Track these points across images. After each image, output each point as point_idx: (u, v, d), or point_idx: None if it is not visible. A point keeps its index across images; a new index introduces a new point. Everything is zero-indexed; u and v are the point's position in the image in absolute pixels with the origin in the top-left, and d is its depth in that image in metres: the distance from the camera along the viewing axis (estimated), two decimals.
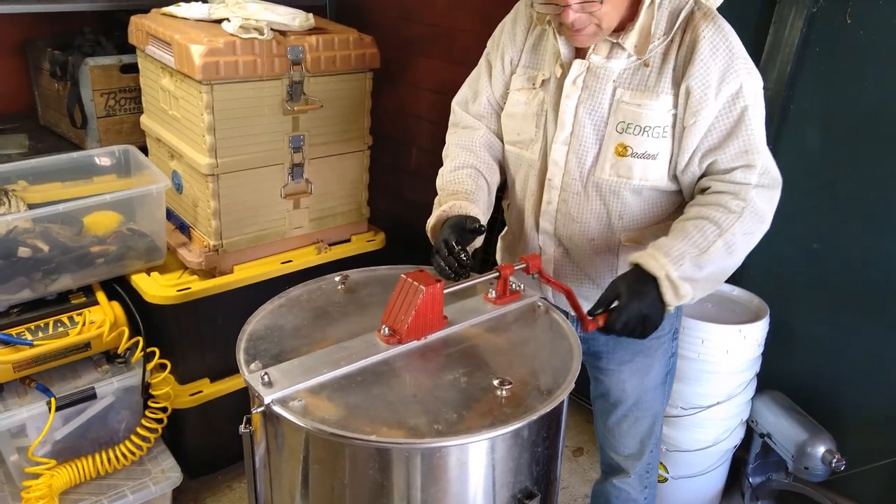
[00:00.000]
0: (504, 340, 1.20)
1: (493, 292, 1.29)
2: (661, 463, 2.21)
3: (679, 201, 1.43)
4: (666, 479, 2.22)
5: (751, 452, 2.18)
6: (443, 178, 1.48)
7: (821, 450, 1.95)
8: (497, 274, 1.27)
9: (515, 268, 1.29)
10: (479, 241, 1.39)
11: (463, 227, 1.32)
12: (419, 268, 1.22)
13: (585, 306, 1.45)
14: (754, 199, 1.29)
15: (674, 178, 1.37)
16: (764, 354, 2.09)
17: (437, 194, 1.48)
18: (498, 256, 1.70)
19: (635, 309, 1.23)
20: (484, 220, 1.37)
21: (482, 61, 1.54)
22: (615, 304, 1.24)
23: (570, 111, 1.37)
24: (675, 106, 1.30)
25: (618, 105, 1.33)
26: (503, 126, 1.51)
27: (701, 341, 1.99)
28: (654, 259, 1.25)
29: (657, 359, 1.57)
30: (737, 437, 2.13)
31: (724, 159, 1.31)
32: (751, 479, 2.19)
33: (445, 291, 1.18)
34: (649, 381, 1.58)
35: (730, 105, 1.28)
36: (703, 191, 1.35)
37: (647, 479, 1.70)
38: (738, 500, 2.23)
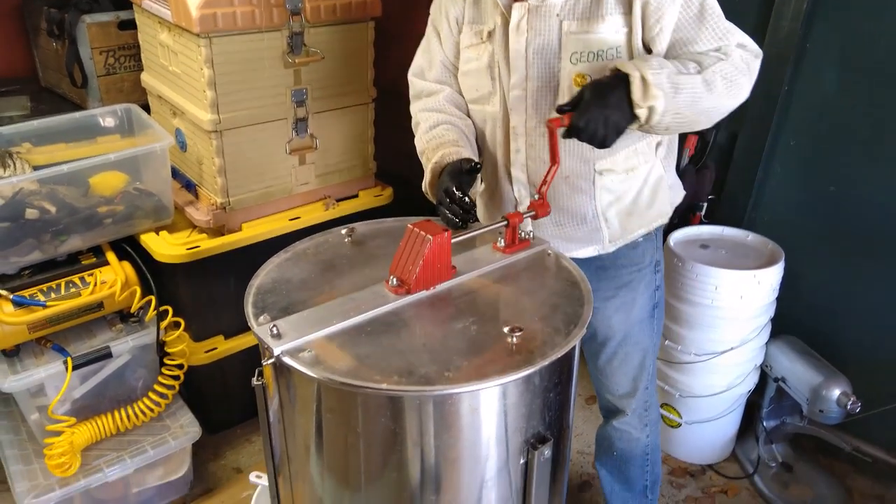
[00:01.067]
0: (514, 289, 1.18)
1: (502, 241, 1.28)
2: (675, 408, 2.22)
3: None
4: (679, 425, 2.23)
5: (765, 397, 2.18)
6: (421, 142, 1.48)
7: (836, 392, 1.95)
8: (506, 222, 1.25)
9: (524, 215, 1.27)
10: (477, 184, 1.37)
11: (459, 170, 1.31)
12: (426, 218, 1.20)
13: (570, 247, 1.47)
14: (735, 55, 1.27)
15: None
16: (778, 299, 2.07)
17: (423, 165, 1.45)
18: (479, 214, 1.65)
19: (598, 106, 1.19)
20: (477, 160, 1.36)
21: (429, 29, 1.53)
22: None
23: (521, 56, 1.35)
24: (627, 24, 1.28)
25: (567, 37, 1.30)
26: (461, 87, 1.50)
27: (714, 287, 1.97)
28: (632, 64, 1.23)
29: (640, 292, 1.56)
30: (751, 382, 2.13)
31: (701, 46, 1.28)
32: (765, 423, 2.19)
33: (453, 241, 1.16)
34: (635, 315, 1.57)
35: (687, 2, 1.27)
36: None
37: (647, 416, 1.70)
38: (752, 444, 2.24)
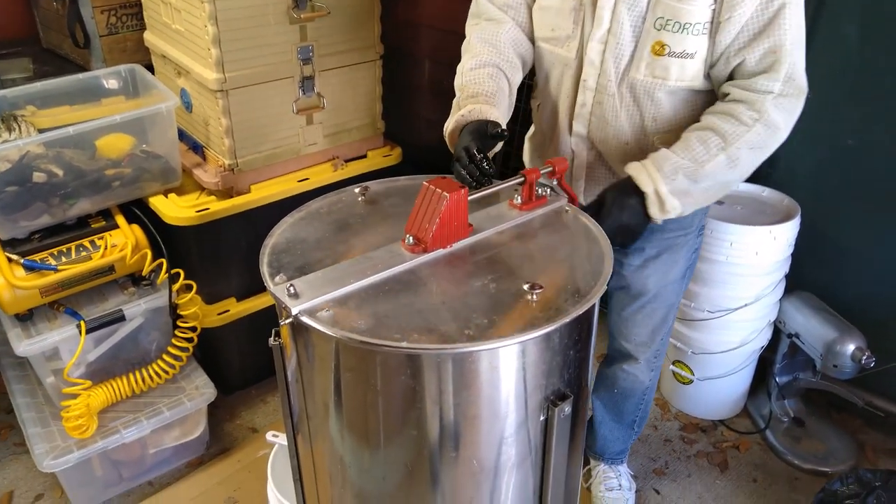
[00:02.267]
0: (532, 246, 1.17)
1: (519, 198, 1.25)
2: (687, 365, 2.22)
3: (713, 98, 1.37)
4: (691, 381, 2.23)
5: (777, 353, 2.18)
6: (461, 77, 1.40)
7: (850, 347, 1.94)
8: (522, 179, 1.22)
9: (541, 171, 1.24)
10: (499, 146, 1.34)
11: (484, 132, 1.26)
12: (442, 175, 1.18)
13: None
14: (770, 110, 1.24)
15: (708, 76, 1.31)
16: (793, 255, 2.05)
17: (452, 105, 1.40)
18: (525, 158, 1.65)
19: (615, 219, 1.26)
20: (504, 124, 1.32)
21: None
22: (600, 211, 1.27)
23: (609, 6, 1.29)
24: (717, 2, 1.22)
25: (657, 0, 1.25)
26: (535, 20, 1.42)
27: (730, 244, 1.95)
28: (646, 172, 1.26)
29: (682, 254, 1.58)
30: (764, 338, 2.13)
31: (751, 59, 1.24)
32: (777, 379, 2.19)
33: (469, 198, 1.14)
34: (671, 276, 1.59)
35: (767, 2, 1.21)
36: (724, 97, 1.30)
37: (654, 363, 1.77)
38: (764, 400, 2.25)
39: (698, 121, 1.34)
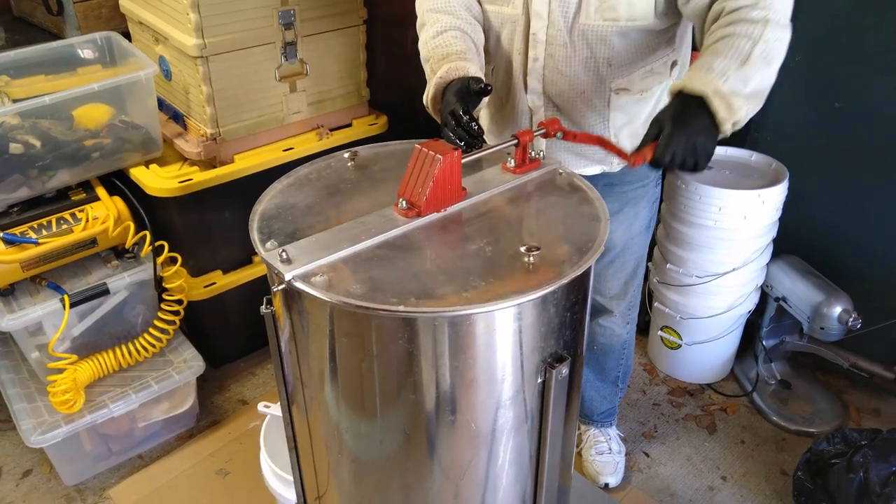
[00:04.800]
0: (527, 209, 1.15)
1: (512, 161, 1.23)
2: (675, 330, 2.23)
3: (667, 39, 1.37)
4: (679, 346, 2.25)
5: (764, 317, 2.20)
6: (426, 47, 1.37)
7: (837, 310, 1.96)
8: (516, 141, 1.20)
9: (535, 133, 1.22)
10: (484, 102, 1.31)
11: (466, 90, 1.24)
12: (434, 138, 1.15)
13: (580, 163, 1.47)
14: (773, 2, 1.18)
15: (662, 14, 1.30)
16: (780, 219, 2.06)
17: (427, 74, 1.36)
18: (483, 123, 1.59)
19: (682, 136, 1.10)
20: (484, 78, 1.30)
21: None
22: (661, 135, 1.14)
23: None
24: None
25: None
26: None
27: (718, 209, 1.95)
28: (697, 78, 1.14)
29: (643, 206, 1.60)
30: (751, 302, 2.14)
31: None
32: (764, 343, 2.22)
33: (462, 161, 1.12)
34: (636, 228, 1.62)
35: None
36: (719, 15, 1.23)
37: (629, 315, 1.80)
38: (751, 363, 2.27)
39: (657, 59, 1.35)
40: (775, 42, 1.17)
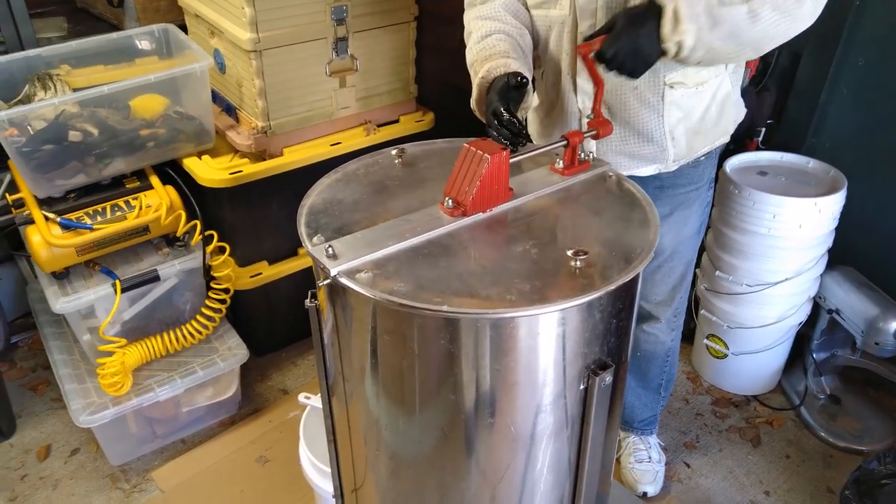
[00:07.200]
0: (575, 212, 1.14)
1: (561, 162, 1.22)
2: (722, 339, 2.18)
3: None
4: (726, 356, 2.20)
5: (816, 329, 2.13)
6: (471, 52, 1.38)
7: (893, 325, 1.89)
8: (565, 142, 1.19)
9: (585, 135, 1.20)
10: (528, 100, 1.29)
11: (507, 87, 1.23)
12: (482, 137, 1.14)
13: (632, 164, 1.45)
14: None
15: None
16: (837, 229, 1.99)
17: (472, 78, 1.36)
18: (532, 129, 1.60)
19: (628, 37, 1.16)
20: (528, 75, 1.28)
21: None
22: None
23: None
24: None
25: None
26: None
27: (772, 216, 1.89)
28: None
29: (694, 210, 1.56)
30: (803, 313, 2.08)
31: None
32: (815, 355, 2.15)
33: (510, 161, 1.11)
34: (686, 232, 1.59)
35: None
36: None
37: (675, 322, 1.77)
38: (800, 376, 2.20)
39: None
40: (773, 11, 1.14)
